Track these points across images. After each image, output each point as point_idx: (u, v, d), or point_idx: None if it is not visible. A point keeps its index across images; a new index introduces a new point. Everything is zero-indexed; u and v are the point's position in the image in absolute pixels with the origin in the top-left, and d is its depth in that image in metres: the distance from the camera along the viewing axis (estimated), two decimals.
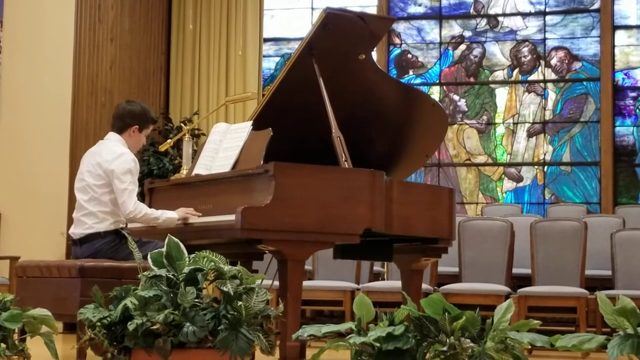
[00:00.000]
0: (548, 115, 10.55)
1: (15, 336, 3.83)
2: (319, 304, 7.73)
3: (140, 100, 5.45)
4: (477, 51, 10.87)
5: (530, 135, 10.59)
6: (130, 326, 3.42)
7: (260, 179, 4.58)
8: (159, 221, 4.95)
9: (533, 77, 10.66)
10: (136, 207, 4.95)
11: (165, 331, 3.41)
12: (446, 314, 3.13)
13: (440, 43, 10.97)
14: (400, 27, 11.07)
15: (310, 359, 3.25)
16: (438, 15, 11.00)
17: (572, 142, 10.45)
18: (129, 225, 5.16)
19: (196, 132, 9.87)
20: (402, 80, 10.15)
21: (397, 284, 6.32)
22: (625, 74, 10.39)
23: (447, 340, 3.07)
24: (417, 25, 11.06)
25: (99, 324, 3.51)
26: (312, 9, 11.23)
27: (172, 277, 3.55)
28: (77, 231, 5.06)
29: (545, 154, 10.50)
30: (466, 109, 10.80)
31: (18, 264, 5.40)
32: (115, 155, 5.04)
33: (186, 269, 3.57)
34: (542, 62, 10.63)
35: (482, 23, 10.90)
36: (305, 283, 6.06)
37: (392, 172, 5.43)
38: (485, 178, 10.69)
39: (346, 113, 5.10)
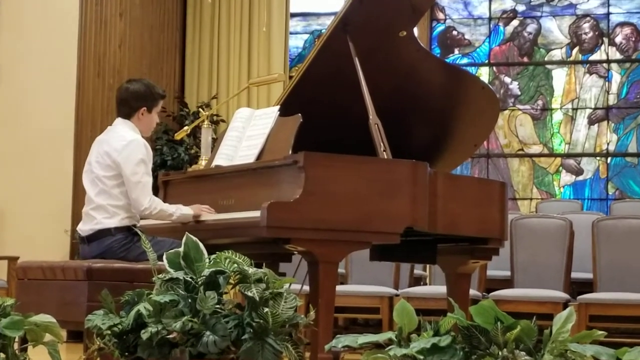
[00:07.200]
0: (612, 99, 10.50)
1: (16, 345, 3.86)
2: (353, 312, 7.74)
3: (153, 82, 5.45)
4: (531, 27, 10.84)
5: (591, 122, 10.55)
6: (144, 335, 3.44)
7: (288, 170, 4.59)
8: (173, 218, 5.00)
9: (595, 56, 10.62)
10: (151, 203, 4.94)
11: (182, 341, 3.44)
12: (498, 323, 3.13)
13: (490, 18, 10.94)
14: (444, 0, 11.04)
15: None
16: None
17: (639, 130, 10.40)
18: (141, 222, 5.17)
19: (215, 118, 9.90)
20: (447, 60, 10.13)
21: (441, 289, 6.31)
22: None
23: (500, 353, 3.07)
24: None
25: (108, 332, 3.54)
26: None
27: (190, 280, 3.57)
28: (85, 227, 5.07)
29: (608, 144, 10.46)
30: (519, 93, 10.78)
31: (18, 265, 5.44)
32: (125, 142, 5.04)
33: (206, 272, 3.59)
34: (606, 40, 10.58)
35: None
36: (338, 288, 6.06)
37: (436, 163, 5.42)
38: (541, 170, 10.67)
39: (385, 97, 5.10)
